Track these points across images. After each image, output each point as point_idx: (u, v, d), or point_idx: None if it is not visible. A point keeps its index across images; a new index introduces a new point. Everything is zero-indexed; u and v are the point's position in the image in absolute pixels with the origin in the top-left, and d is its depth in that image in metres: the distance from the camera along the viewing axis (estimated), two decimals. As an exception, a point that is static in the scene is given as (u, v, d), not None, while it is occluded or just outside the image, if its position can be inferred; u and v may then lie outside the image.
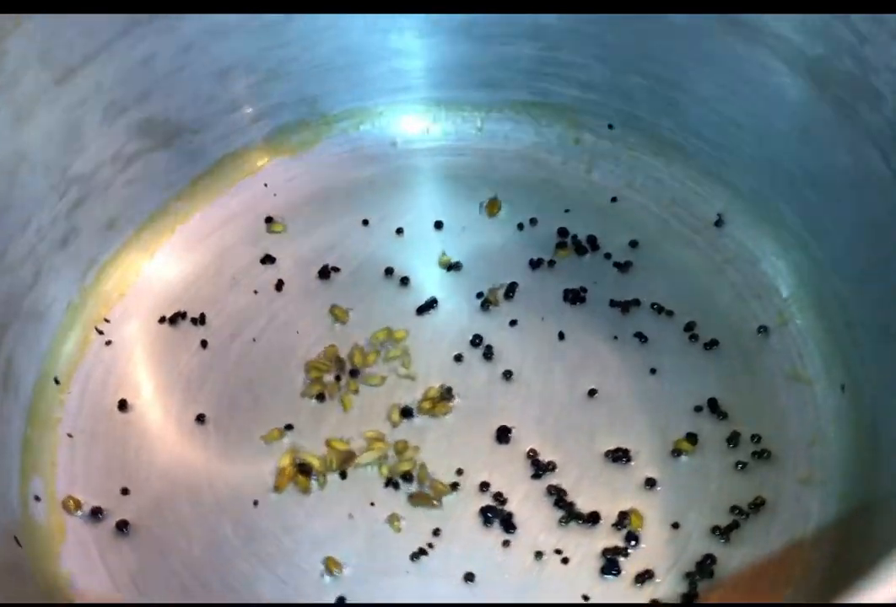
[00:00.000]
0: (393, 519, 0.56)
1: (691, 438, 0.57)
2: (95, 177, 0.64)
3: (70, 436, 0.60)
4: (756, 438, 0.58)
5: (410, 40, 0.70)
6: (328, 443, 0.59)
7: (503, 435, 0.58)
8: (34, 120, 0.59)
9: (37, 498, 0.57)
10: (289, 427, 0.60)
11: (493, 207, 0.68)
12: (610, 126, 0.70)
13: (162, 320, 0.65)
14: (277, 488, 0.57)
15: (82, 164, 0.63)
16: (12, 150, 0.58)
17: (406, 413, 0.60)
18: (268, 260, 0.67)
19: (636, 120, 0.69)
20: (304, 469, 0.58)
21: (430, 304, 0.65)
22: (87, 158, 0.63)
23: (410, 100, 0.73)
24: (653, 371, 0.61)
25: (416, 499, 0.57)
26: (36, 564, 0.55)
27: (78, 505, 0.58)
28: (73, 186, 0.63)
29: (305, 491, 0.57)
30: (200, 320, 0.65)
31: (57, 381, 0.62)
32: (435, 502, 0.56)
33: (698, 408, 0.59)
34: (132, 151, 0.66)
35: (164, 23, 0.62)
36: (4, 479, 0.56)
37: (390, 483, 0.57)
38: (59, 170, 0.62)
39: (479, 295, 0.65)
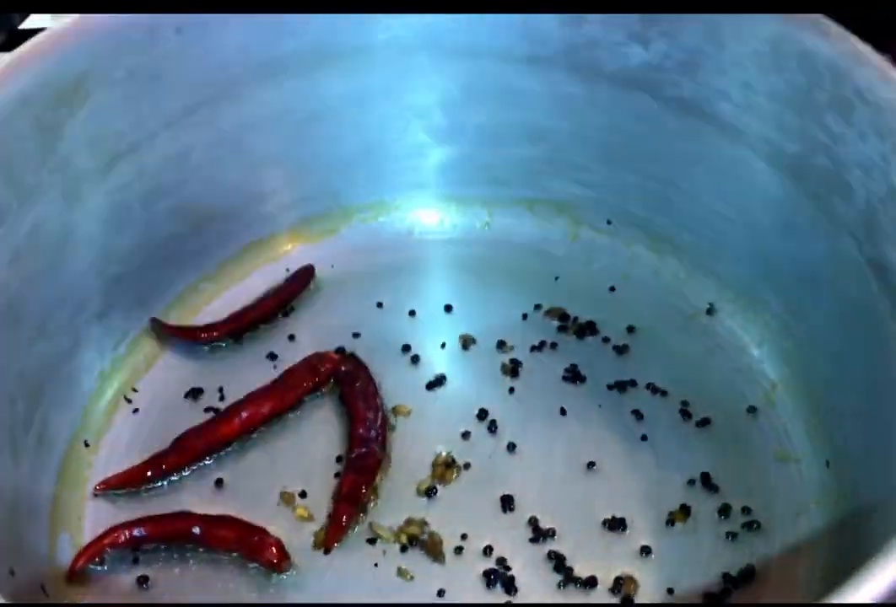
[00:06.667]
0: (404, 574, 0.59)
1: (684, 509, 0.60)
2: (133, 257, 0.69)
3: (96, 495, 0.63)
4: (746, 510, 0.60)
5: (424, 141, 0.77)
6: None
7: (506, 503, 0.61)
8: (81, 200, 0.64)
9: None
10: (302, 495, 0.63)
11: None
12: (608, 222, 0.75)
13: (186, 395, 0.69)
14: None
15: (122, 244, 0.68)
16: (60, 225, 0.63)
17: (428, 491, 0.62)
18: (290, 338, 0.72)
19: (632, 216, 0.74)
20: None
21: (439, 381, 0.69)
22: (126, 238, 0.68)
23: (425, 195, 0.79)
24: (648, 446, 0.64)
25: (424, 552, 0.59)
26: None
27: (102, 559, 0.60)
28: (112, 264, 0.68)
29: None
30: (220, 397, 0.68)
31: (87, 444, 0.65)
32: (439, 558, 0.59)
33: (691, 482, 0.62)
34: (167, 234, 0.71)
35: (202, 117, 0.69)
36: (35, 530, 0.59)
37: (398, 545, 0.60)
38: (100, 248, 0.67)
39: (486, 372, 0.69)
